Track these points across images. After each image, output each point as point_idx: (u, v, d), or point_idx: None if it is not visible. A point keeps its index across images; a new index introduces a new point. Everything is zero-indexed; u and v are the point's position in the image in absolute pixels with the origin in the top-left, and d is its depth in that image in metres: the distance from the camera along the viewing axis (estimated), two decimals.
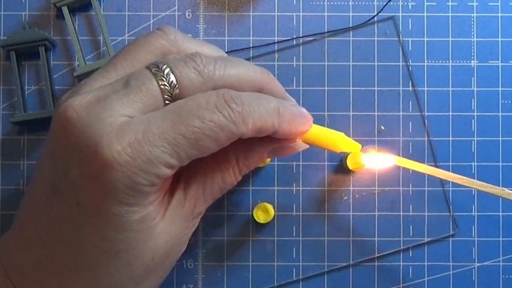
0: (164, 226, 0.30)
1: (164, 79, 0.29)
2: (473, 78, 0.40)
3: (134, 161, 0.27)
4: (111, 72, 0.31)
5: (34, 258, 0.30)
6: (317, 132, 0.34)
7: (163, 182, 0.29)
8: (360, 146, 0.36)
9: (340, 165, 0.39)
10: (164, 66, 0.29)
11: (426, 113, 0.40)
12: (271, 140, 0.32)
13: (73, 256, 0.29)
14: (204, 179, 0.32)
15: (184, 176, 0.31)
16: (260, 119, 0.30)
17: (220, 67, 0.30)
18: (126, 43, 0.40)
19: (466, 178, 0.36)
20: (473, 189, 0.39)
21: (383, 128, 0.40)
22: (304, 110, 0.33)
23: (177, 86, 0.29)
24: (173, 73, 0.29)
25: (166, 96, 0.29)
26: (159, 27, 0.32)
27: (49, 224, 0.30)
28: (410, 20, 0.40)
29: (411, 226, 0.39)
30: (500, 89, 0.40)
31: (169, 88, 0.29)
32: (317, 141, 0.34)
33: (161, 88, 0.29)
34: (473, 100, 0.40)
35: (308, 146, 0.34)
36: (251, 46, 0.40)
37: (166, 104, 0.29)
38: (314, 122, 0.33)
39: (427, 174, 0.36)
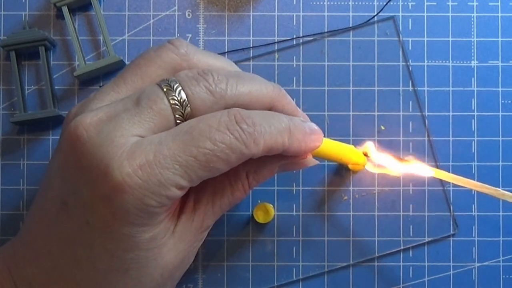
0: (174, 242, 0.30)
1: (176, 98, 0.29)
2: (473, 78, 0.40)
3: (145, 184, 0.27)
4: (121, 86, 0.31)
5: (43, 271, 0.30)
6: (328, 146, 0.34)
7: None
8: (365, 158, 0.37)
9: (340, 165, 0.39)
10: (176, 85, 0.29)
11: (426, 113, 0.40)
12: (281, 156, 0.32)
13: (83, 272, 0.29)
14: (214, 194, 0.31)
15: (193, 191, 0.31)
16: (271, 140, 0.29)
17: (232, 86, 0.30)
18: (126, 43, 0.40)
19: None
20: (473, 189, 0.39)
21: (383, 128, 0.40)
22: (315, 127, 0.32)
23: (188, 105, 0.29)
24: (184, 92, 0.29)
25: (177, 116, 0.29)
26: (170, 40, 0.32)
27: (59, 239, 0.29)
28: (410, 20, 0.40)
29: (411, 226, 0.39)
30: (500, 89, 0.40)
31: (180, 107, 0.29)
32: (328, 156, 0.35)
33: (172, 107, 0.29)
34: (473, 100, 0.40)
35: (318, 162, 0.34)
36: (251, 46, 0.40)
37: (177, 123, 0.29)
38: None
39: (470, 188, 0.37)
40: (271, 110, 0.32)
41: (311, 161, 0.34)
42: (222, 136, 0.28)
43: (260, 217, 0.39)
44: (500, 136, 0.40)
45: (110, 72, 0.40)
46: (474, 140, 0.40)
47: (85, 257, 0.29)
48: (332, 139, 0.35)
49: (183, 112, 0.29)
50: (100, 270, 0.29)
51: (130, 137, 0.28)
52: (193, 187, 0.30)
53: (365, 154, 0.37)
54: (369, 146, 0.37)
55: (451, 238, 0.39)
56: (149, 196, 0.27)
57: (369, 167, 0.38)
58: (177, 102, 0.29)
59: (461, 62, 0.40)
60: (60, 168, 0.29)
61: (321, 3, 0.40)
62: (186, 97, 0.29)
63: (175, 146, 0.27)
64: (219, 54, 0.39)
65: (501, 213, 0.39)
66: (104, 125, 0.28)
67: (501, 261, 0.39)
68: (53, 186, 0.30)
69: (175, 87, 0.29)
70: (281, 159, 0.32)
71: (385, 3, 0.40)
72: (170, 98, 0.29)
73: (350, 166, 0.38)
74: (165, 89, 0.29)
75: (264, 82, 0.32)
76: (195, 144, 0.28)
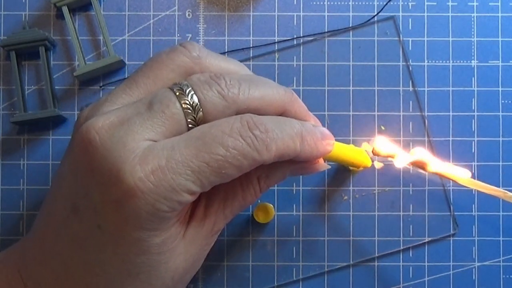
0: (185, 246, 0.30)
1: (188, 102, 0.29)
2: (473, 78, 0.40)
3: (157, 189, 0.27)
4: (133, 89, 0.31)
5: (53, 273, 0.30)
6: (339, 151, 0.34)
7: None
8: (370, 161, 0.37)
9: (340, 165, 0.39)
10: (188, 89, 0.29)
11: (426, 113, 0.40)
12: (293, 161, 0.32)
13: (93, 276, 0.29)
14: (225, 198, 0.31)
15: (204, 195, 0.31)
16: (283, 146, 0.29)
17: (244, 90, 0.30)
18: (126, 43, 0.40)
19: None
20: (473, 189, 0.39)
21: (383, 128, 0.40)
22: (326, 132, 0.32)
23: (200, 109, 0.29)
24: (196, 96, 0.29)
25: (189, 120, 0.29)
26: (182, 43, 0.32)
27: (69, 242, 0.29)
28: (410, 20, 0.40)
29: (411, 226, 0.39)
30: (500, 89, 0.40)
31: (192, 112, 0.29)
32: (339, 159, 0.35)
33: (184, 112, 0.29)
34: (473, 100, 0.40)
35: (329, 166, 0.34)
36: (251, 46, 0.40)
37: (189, 128, 0.29)
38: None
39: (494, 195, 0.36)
40: (283, 115, 0.32)
41: (322, 165, 0.34)
42: (234, 142, 0.28)
43: (260, 217, 0.39)
44: (500, 136, 0.40)
45: (110, 72, 0.40)
46: (474, 140, 0.40)
47: (96, 260, 0.29)
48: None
49: (195, 116, 0.29)
50: (111, 274, 0.29)
51: (142, 141, 0.28)
52: (204, 192, 0.30)
53: (373, 152, 0.36)
54: (380, 141, 0.36)
55: (451, 238, 0.39)
56: (161, 201, 0.27)
57: (398, 163, 0.36)
58: (189, 106, 0.29)
59: (461, 62, 0.40)
60: (71, 171, 0.29)
61: (321, 3, 0.40)
62: (198, 101, 0.29)
63: (187, 152, 0.27)
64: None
65: (501, 213, 0.39)
66: (116, 129, 0.28)
67: (501, 261, 0.39)
68: (64, 188, 0.29)
69: (187, 91, 0.29)
70: (293, 164, 0.32)
71: (385, 3, 0.40)
72: (182, 102, 0.29)
73: (361, 168, 0.38)
74: (177, 93, 0.29)
75: (276, 87, 0.31)
76: (207, 150, 0.28)
